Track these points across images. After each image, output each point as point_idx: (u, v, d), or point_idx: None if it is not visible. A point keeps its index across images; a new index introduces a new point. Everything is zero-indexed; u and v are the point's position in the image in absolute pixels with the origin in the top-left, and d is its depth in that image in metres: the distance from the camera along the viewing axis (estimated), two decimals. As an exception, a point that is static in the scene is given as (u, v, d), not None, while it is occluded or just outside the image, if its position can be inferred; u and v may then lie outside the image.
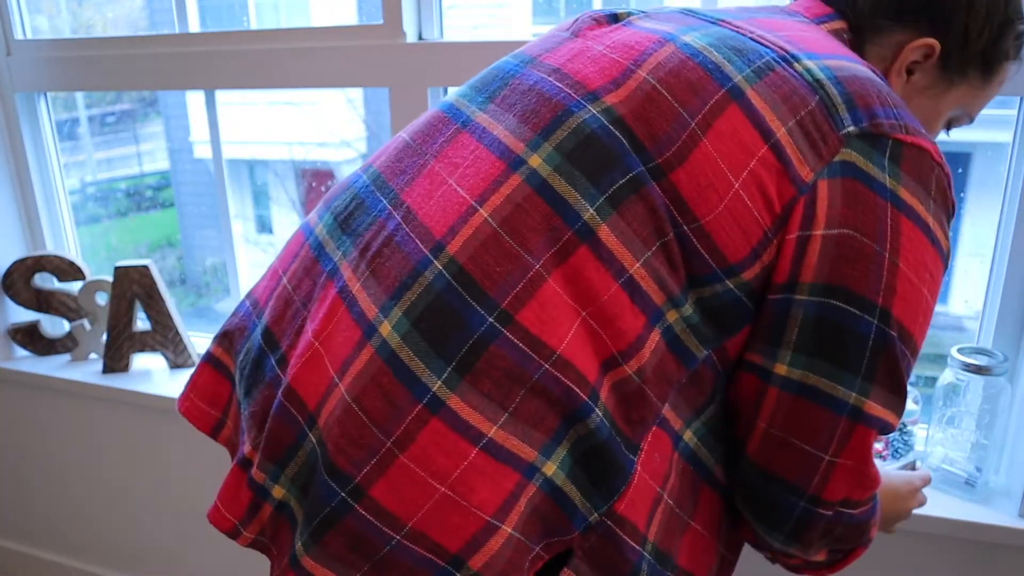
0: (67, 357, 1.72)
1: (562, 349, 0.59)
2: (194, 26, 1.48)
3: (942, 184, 0.63)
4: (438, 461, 0.57)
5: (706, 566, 0.72)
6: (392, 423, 0.58)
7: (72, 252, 1.78)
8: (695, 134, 0.60)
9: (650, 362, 0.62)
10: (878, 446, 1.14)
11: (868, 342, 0.61)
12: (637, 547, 0.64)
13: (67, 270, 1.64)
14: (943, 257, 0.64)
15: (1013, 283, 1.10)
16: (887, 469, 0.97)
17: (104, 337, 1.63)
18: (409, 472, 0.58)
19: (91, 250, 1.92)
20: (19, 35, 1.62)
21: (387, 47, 1.29)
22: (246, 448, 0.69)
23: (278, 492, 0.67)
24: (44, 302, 1.65)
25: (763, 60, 0.63)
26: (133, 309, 1.57)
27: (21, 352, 1.75)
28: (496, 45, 1.22)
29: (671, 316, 0.62)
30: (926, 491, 1.03)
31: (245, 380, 0.72)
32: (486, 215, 0.60)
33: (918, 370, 1.20)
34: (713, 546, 0.73)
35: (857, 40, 0.75)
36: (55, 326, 1.76)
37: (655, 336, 0.61)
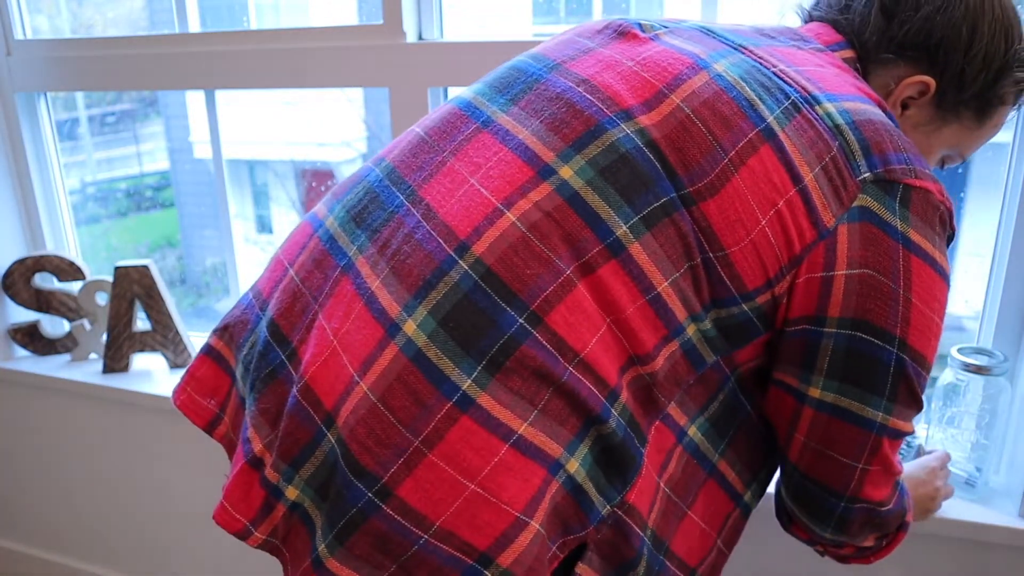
0: (67, 357, 1.72)
1: (585, 353, 0.61)
2: (194, 26, 1.48)
3: (944, 219, 0.69)
4: (468, 458, 0.58)
5: (698, 555, 0.76)
6: (420, 422, 0.58)
7: (72, 252, 1.78)
8: (728, 169, 0.63)
9: (664, 367, 0.66)
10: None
11: (890, 368, 0.67)
12: (640, 533, 0.68)
13: (67, 270, 1.64)
14: (948, 283, 0.70)
15: (1013, 283, 1.10)
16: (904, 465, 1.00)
17: (104, 337, 1.63)
18: (438, 470, 0.58)
19: (91, 250, 1.93)
20: (19, 35, 1.62)
21: (387, 47, 1.29)
22: (256, 447, 0.68)
23: (292, 493, 0.66)
24: (44, 302, 1.65)
25: (790, 101, 0.66)
26: (133, 309, 1.57)
27: (21, 352, 1.75)
28: (496, 45, 1.22)
29: (691, 330, 0.66)
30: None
31: (251, 375, 0.71)
32: (514, 219, 0.61)
33: (918, 370, 1.20)
34: (710, 538, 0.77)
35: (863, 69, 0.78)
36: (55, 326, 1.76)
37: (673, 346, 0.66)
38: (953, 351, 1.09)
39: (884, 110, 0.71)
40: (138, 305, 1.57)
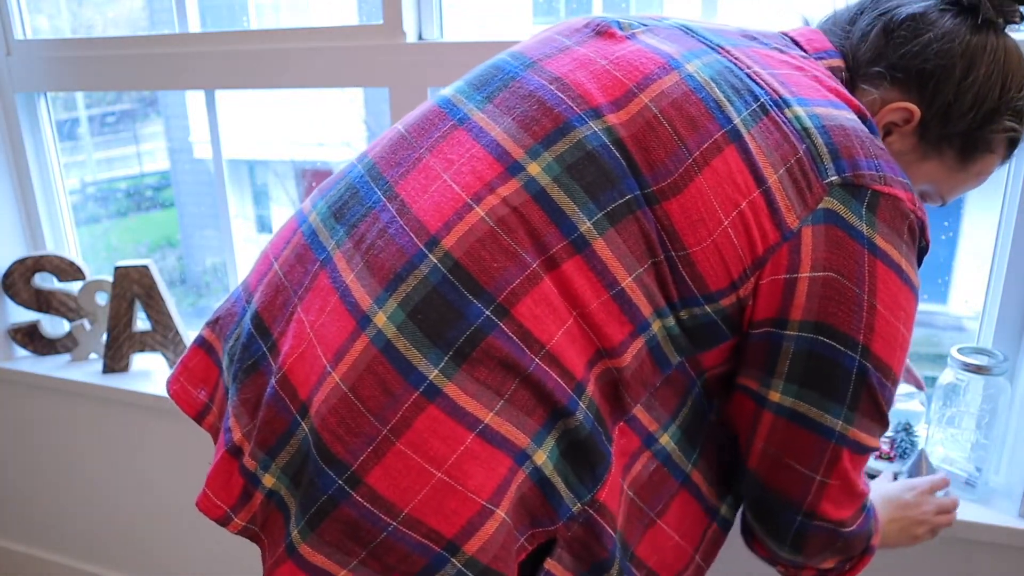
0: (67, 357, 1.72)
1: (551, 345, 0.62)
2: (194, 26, 1.48)
3: (914, 229, 0.68)
4: (435, 447, 0.59)
5: (674, 569, 0.76)
6: (388, 411, 0.60)
7: (72, 252, 1.78)
8: (692, 169, 0.63)
9: (632, 364, 0.66)
10: (884, 447, 1.14)
11: (852, 375, 0.66)
12: (612, 534, 0.68)
13: (67, 270, 1.64)
14: (915, 294, 0.69)
15: (1013, 283, 1.10)
16: (887, 484, 0.97)
17: (104, 337, 1.63)
18: (405, 459, 0.59)
19: (91, 250, 1.93)
20: (19, 35, 1.62)
21: (387, 47, 1.29)
22: (236, 435, 0.70)
23: (268, 480, 0.68)
24: (44, 302, 1.65)
25: (758, 103, 0.66)
26: (133, 309, 1.57)
27: (21, 352, 1.75)
28: (496, 45, 1.22)
29: (656, 326, 0.66)
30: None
31: (234, 365, 0.72)
32: (482, 213, 0.62)
33: (919, 370, 1.20)
34: (687, 553, 0.77)
35: (851, 82, 0.77)
36: (55, 326, 1.76)
37: (639, 343, 0.66)
38: (953, 351, 1.09)
39: (865, 118, 0.71)
40: (138, 305, 1.57)
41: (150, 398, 1.54)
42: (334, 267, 0.66)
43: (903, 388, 1.14)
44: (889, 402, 0.70)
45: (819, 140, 0.65)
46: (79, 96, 2.62)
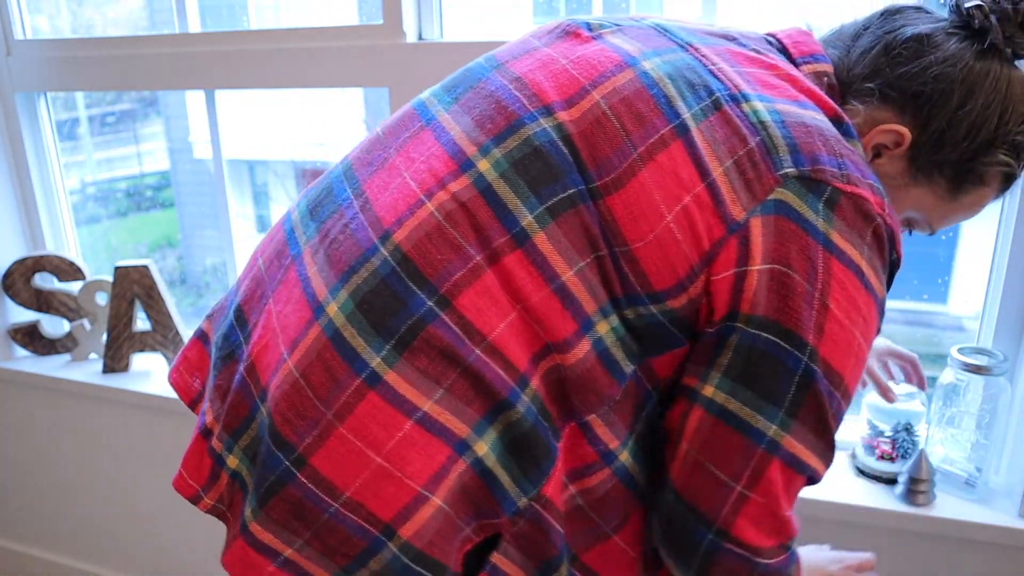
0: (67, 357, 1.72)
1: (493, 337, 0.62)
2: (194, 26, 1.49)
3: (881, 235, 0.64)
4: (375, 432, 0.61)
5: None
6: (333, 396, 0.62)
7: (72, 252, 1.78)
8: (636, 164, 0.63)
9: (578, 366, 0.64)
10: (886, 447, 1.14)
11: (795, 377, 0.62)
12: (561, 531, 0.67)
13: (67, 270, 1.64)
14: (877, 303, 0.65)
15: (1013, 283, 1.10)
16: (815, 551, 0.94)
17: (104, 337, 1.63)
18: (347, 443, 0.61)
19: (91, 250, 1.93)
20: (19, 35, 1.62)
21: (387, 47, 1.29)
22: (208, 418, 0.73)
23: (232, 462, 0.70)
24: (44, 302, 1.65)
25: (712, 98, 0.64)
26: (133, 309, 1.57)
27: (21, 352, 1.75)
28: (496, 45, 1.22)
29: (601, 327, 0.64)
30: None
31: (216, 354, 0.75)
32: (432, 208, 0.64)
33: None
34: (636, 564, 0.74)
35: (842, 94, 0.74)
36: (55, 326, 1.76)
37: (585, 344, 0.64)
38: (953, 351, 1.09)
39: (841, 122, 0.69)
40: (138, 305, 1.57)
41: (150, 398, 1.54)
42: (302, 261, 0.69)
43: (903, 388, 1.14)
44: (837, 418, 0.65)
45: (776, 133, 0.63)
46: (79, 96, 2.62)
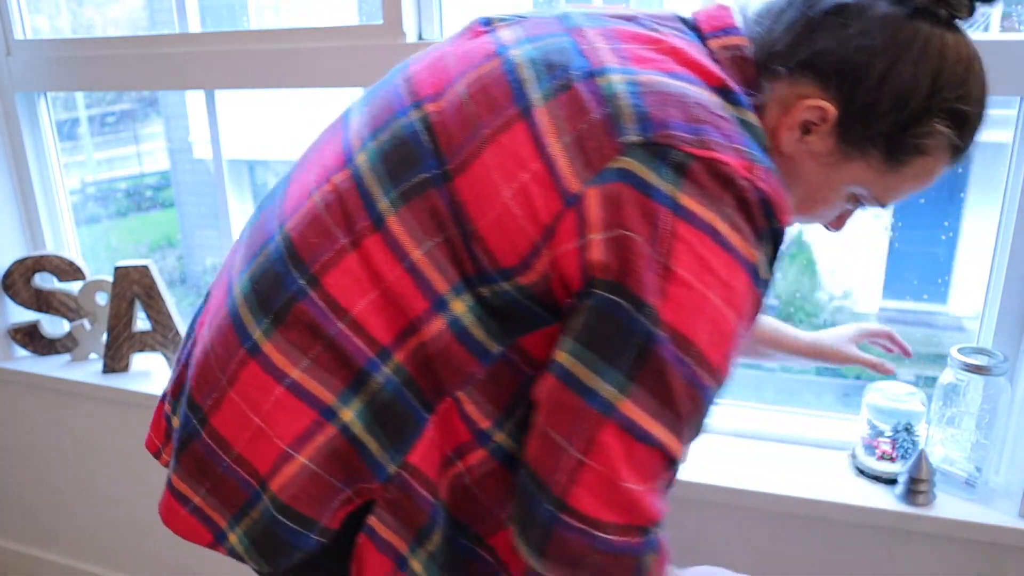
0: (67, 357, 1.72)
1: (355, 313, 0.68)
2: (194, 26, 1.48)
3: (746, 198, 0.62)
4: (254, 396, 0.70)
5: (524, 565, 0.71)
6: (227, 365, 0.71)
7: (72, 252, 1.78)
8: (481, 146, 0.65)
9: (434, 344, 0.67)
10: (886, 447, 1.14)
11: (636, 339, 0.61)
12: (431, 500, 0.70)
13: (67, 270, 1.64)
14: (744, 266, 0.62)
15: (1013, 283, 1.10)
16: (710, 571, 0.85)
17: (104, 337, 1.63)
18: (235, 405, 0.71)
19: (91, 250, 1.92)
20: (19, 35, 1.62)
21: (387, 47, 1.29)
22: (168, 386, 0.84)
23: (175, 422, 0.80)
24: (44, 302, 1.65)
25: (567, 77, 0.65)
26: (133, 309, 1.57)
27: (21, 352, 1.75)
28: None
29: (457, 306, 0.67)
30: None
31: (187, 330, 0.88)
32: (317, 199, 0.71)
33: (919, 369, 1.20)
34: None
35: (758, 68, 0.71)
36: (55, 326, 1.76)
37: (439, 322, 0.67)
38: (953, 351, 1.09)
39: (729, 91, 0.66)
40: (138, 305, 1.57)
41: (150, 398, 1.54)
42: (236, 249, 0.80)
43: (903, 388, 1.14)
44: (689, 384, 0.61)
45: (625, 103, 0.62)
46: (79, 96, 2.62)
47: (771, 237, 0.64)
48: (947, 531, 1.08)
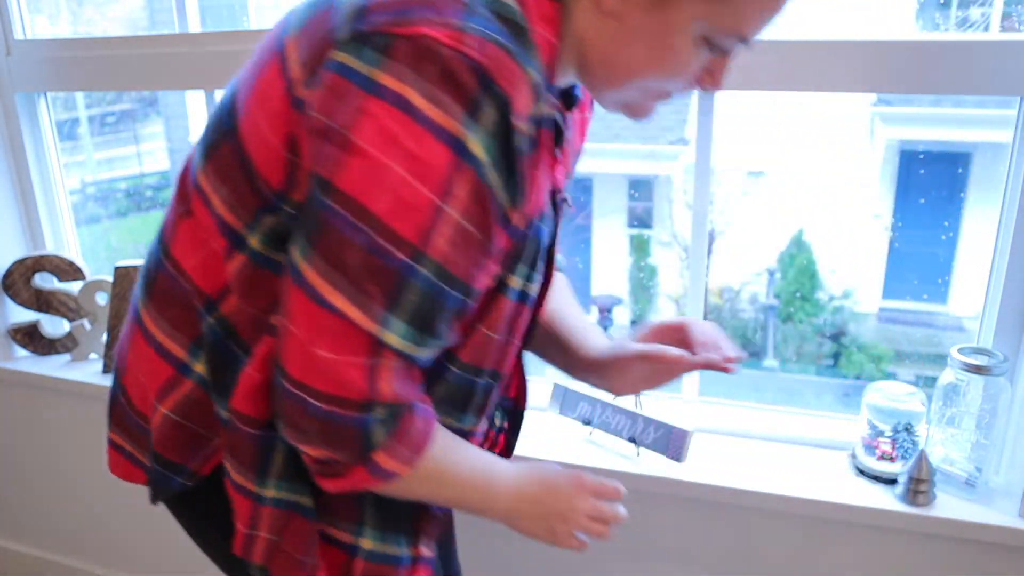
0: (67, 357, 1.71)
1: (191, 272, 0.76)
2: (194, 26, 1.48)
3: (452, 68, 0.59)
4: (140, 355, 0.82)
5: (351, 507, 0.80)
6: (126, 336, 0.85)
7: (72, 252, 1.78)
8: (249, 90, 0.71)
9: (239, 276, 0.73)
10: (886, 447, 1.14)
11: (315, 208, 0.63)
12: (257, 432, 0.74)
13: (67, 270, 1.64)
14: (442, 138, 0.59)
15: (1013, 283, 1.10)
16: (553, 466, 0.84)
17: (104, 337, 1.63)
18: (131, 365, 0.84)
19: (91, 250, 1.92)
20: (19, 35, 1.61)
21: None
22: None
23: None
24: (44, 302, 1.65)
25: (316, 8, 0.69)
26: (133, 309, 1.57)
27: (21, 352, 1.75)
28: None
29: (253, 241, 0.71)
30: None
31: None
32: (179, 181, 0.80)
33: (919, 370, 1.20)
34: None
35: None
36: (55, 326, 1.76)
37: (243, 258, 0.72)
38: (953, 351, 1.09)
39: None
40: (138, 305, 1.57)
41: (150, 398, 1.54)
42: None
43: (902, 388, 1.14)
44: (369, 252, 0.61)
45: (349, 7, 0.64)
46: (79, 96, 2.62)
47: (495, 109, 0.60)
48: (947, 531, 1.08)
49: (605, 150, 3.74)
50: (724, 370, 0.87)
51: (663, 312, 3.88)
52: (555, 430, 1.30)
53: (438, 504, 0.85)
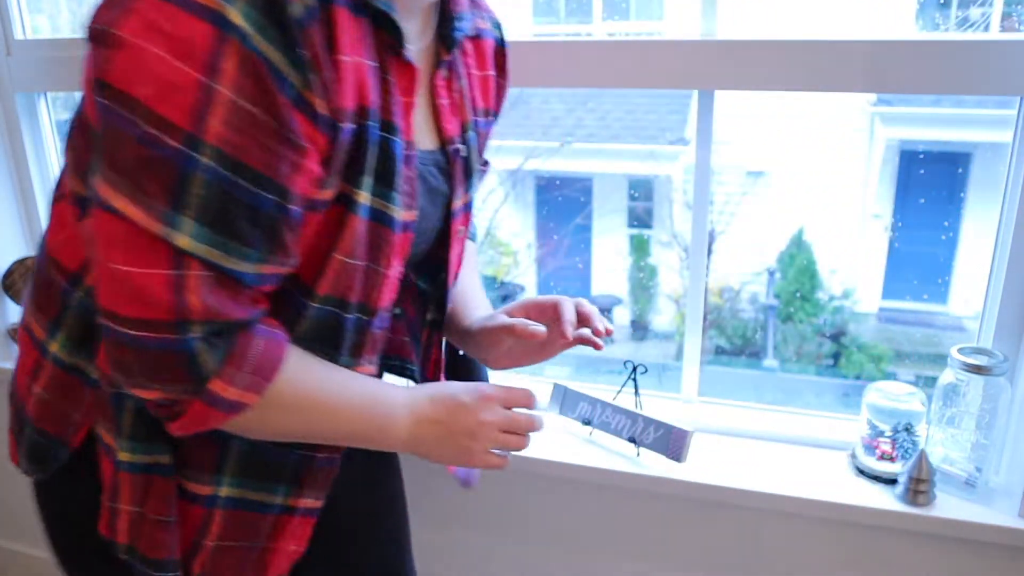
0: (67, 357, 1.71)
1: (54, 251, 0.78)
2: (194, 26, 1.48)
3: None
4: (23, 348, 0.83)
5: (210, 456, 0.77)
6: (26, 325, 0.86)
7: (72, 252, 1.78)
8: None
9: (91, 238, 0.66)
10: (886, 447, 1.14)
11: (102, 120, 0.60)
12: (112, 391, 0.76)
13: (67, 270, 1.64)
14: (201, 14, 0.57)
15: (1013, 283, 1.10)
16: (450, 383, 0.81)
17: (104, 337, 1.63)
18: (21, 353, 0.85)
19: (91, 250, 1.92)
20: (19, 35, 1.61)
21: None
22: None
23: None
24: (44, 302, 1.65)
25: None
26: (133, 309, 1.57)
27: (21, 352, 1.75)
28: (496, 45, 1.21)
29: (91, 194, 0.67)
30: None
31: None
32: None
33: (919, 370, 1.20)
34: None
35: None
36: (55, 326, 1.76)
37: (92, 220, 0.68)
38: (953, 351, 1.09)
39: None
40: (138, 305, 1.57)
41: (150, 398, 1.54)
42: None
43: (902, 388, 1.14)
44: (141, 143, 0.57)
45: None
46: (79, 96, 2.62)
47: None
48: (947, 531, 1.08)
49: (605, 150, 3.73)
50: (593, 345, 0.87)
51: (663, 313, 3.88)
52: (555, 430, 1.30)
53: (320, 440, 0.76)
